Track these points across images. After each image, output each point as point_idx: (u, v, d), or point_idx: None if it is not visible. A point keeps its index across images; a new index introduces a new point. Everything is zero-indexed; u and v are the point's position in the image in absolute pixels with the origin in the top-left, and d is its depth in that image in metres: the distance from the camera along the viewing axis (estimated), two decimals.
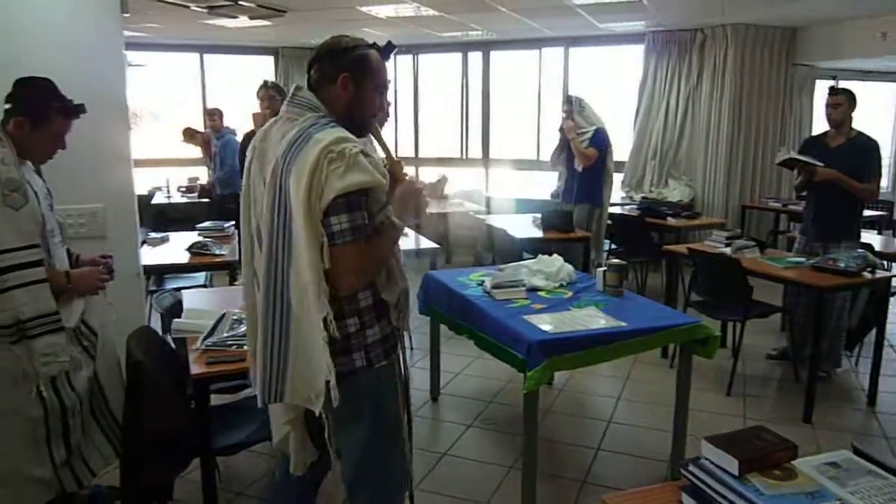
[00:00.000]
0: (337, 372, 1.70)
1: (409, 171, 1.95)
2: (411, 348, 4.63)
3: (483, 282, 3.38)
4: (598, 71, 8.22)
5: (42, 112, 2.18)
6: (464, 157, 8.95)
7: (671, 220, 6.07)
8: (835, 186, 4.04)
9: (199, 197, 7.04)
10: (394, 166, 1.87)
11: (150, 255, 4.08)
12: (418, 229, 4.83)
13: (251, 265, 1.89)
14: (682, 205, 6.78)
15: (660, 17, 6.70)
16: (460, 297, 3.29)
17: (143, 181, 6.98)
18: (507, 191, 8.47)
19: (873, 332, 4.02)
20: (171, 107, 9.38)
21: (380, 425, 1.84)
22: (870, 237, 5.04)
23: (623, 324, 2.81)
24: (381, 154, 1.91)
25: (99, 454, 2.37)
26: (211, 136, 6.82)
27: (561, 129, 5.51)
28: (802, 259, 4.01)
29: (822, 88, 7.15)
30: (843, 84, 7.82)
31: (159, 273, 4.43)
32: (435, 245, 4.75)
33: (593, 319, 2.87)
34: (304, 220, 1.62)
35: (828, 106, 4.19)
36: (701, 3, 6.02)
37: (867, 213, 6.22)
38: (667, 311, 3.31)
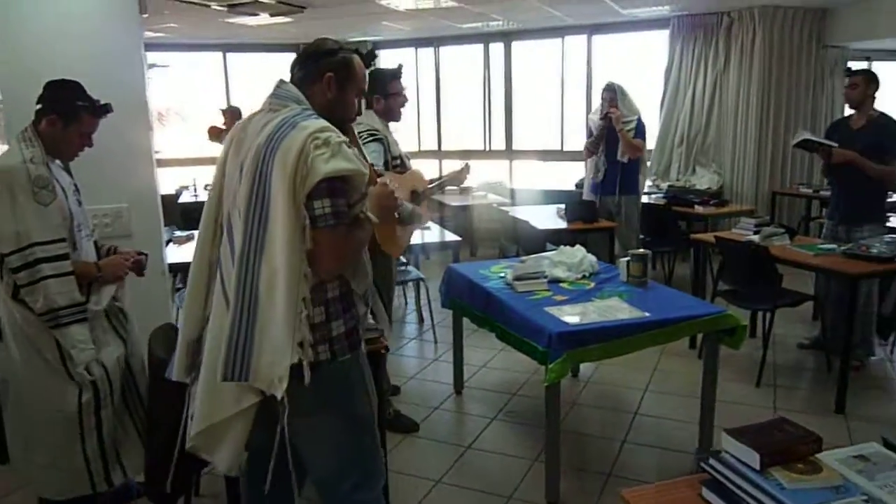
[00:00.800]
0: (300, 363, 1.69)
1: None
2: (435, 342, 4.72)
3: (504, 274, 3.36)
4: (623, 58, 8.09)
5: (72, 111, 2.29)
6: (487, 149, 8.90)
7: (699, 209, 5.97)
8: (856, 169, 3.94)
9: None
10: (369, 169, 1.90)
11: (177, 254, 4.13)
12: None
13: (205, 251, 1.87)
14: (711, 192, 6.67)
15: (685, 1, 6.57)
16: (482, 289, 3.27)
17: (170, 180, 7.11)
18: (530, 182, 8.42)
19: None
20: (197, 106, 9.49)
21: (345, 418, 1.85)
22: None
23: (646, 314, 2.77)
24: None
25: (136, 454, 2.43)
26: None
27: (605, 118, 5.27)
28: (834, 246, 3.90)
29: (866, 68, 6.94)
30: (877, 65, 7.59)
31: (185, 271, 4.46)
32: (457, 238, 4.74)
33: (616, 310, 2.83)
34: (286, 203, 1.63)
35: (846, 87, 4.12)
36: None
37: None
38: (692, 300, 3.25)
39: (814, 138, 4.15)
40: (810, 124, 6.78)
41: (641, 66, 7.89)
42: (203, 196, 7.19)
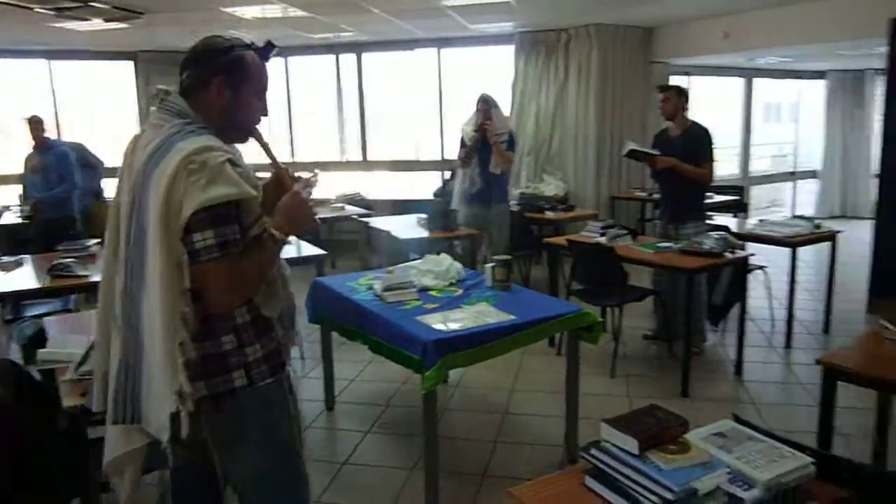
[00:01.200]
0: (213, 393, 1.63)
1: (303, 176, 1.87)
2: (302, 358, 4.59)
3: (373, 285, 3.34)
4: (472, 71, 8.39)
5: None
6: (342, 159, 8.84)
7: (549, 214, 6.30)
8: (678, 173, 4.43)
9: (25, 219, 6.05)
10: (280, 174, 1.80)
11: (4, 281, 3.71)
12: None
13: (109, 285, 1.73)
14: (558, 199, 7.04)
15: (526, 18, 6.92)
16: (351, 302, 3.24)
17: None
18: (386, 192, 8.46)
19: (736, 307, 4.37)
20: (20, 120, 8.56)
21: (269, 445, 1.76)
22: (726, 220, 5.47)
23: (513, 317, 2.87)
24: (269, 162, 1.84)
25: None
26: (35, 149, 5.91)
27: (480, 130, 5.29)
28: (670, 244, 4.29)
29: (676, 84, 7.66)
30: (694, 80, 8.46)
31: (16, 300, 4.02)
32: (321, 251, 4.65)
33: (485, 315, 2.92)
34: (159, 237, 1.51)
35: (660, 102, 4.60)
36: (562, 4, 6.28)
37: (721, 197, 6.78)
38: (552, 301, 3.43)
39: (639, 148, 4.61)
40: (642, 134, 7.40)
41: (490, 79, 8.22)
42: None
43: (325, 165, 8.66)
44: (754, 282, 5.11)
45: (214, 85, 1.67)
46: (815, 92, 10.31)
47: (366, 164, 8.73)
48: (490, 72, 8.32)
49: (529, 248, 6.09)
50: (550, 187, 7.51)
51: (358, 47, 8.27)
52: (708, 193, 4.91)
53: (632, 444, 1.40)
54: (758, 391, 4.02)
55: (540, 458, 3.24)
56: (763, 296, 5.29)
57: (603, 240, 4.47)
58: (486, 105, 5.31)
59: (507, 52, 7.85)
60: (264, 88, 1.76)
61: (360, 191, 8.05)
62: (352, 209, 7.00)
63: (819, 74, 10.07)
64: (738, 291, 4.44)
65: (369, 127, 8.60)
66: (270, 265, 1.70)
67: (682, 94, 4.55)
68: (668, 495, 1.31)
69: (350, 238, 7.35)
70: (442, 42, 7.97)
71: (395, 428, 3.65)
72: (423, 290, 3.31)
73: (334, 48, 8.35)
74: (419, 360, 2.63)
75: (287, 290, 1.81)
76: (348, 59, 8.44)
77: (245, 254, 1.59)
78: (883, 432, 2.75)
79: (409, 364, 2.74)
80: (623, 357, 4.49)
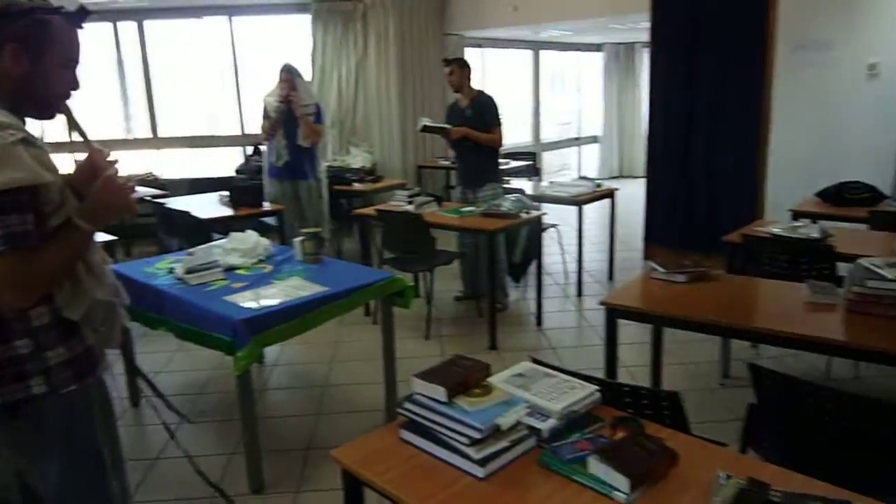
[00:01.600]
0: (8, 401, 1.45)
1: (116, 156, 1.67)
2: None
3: (173, 269, 3.16)
4: (269, 41, 8.07)
5: None
6: (128, 137, 8.13)
7: (357, 186, 6.32)
8: (470, 140, 4.70)
9: None
10: (94, 155, 1.60)
11: None
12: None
13: None
14: (366, 170, 7.08)
15: None
16: (151, 288, 3.03)
17: None
18: (182, 171, 7.94)
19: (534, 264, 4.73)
20: None
21: (74, 458, 1.60)
22: (522, 183, 5.87)
23: (326, 288, 2.88)
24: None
25: None
26: None
27: (285, 101, 5.13)
28: (473, 208, 4.52)
29: (470, 56, 7.99)
30: (487, 52, 8.87)
31: None
32: (111, 237, 4.27)
33: (297, 289, 2.89)
34: None
35: (446, 75, 4.81)
36: None
37: (516, 163, 7.24)
38: (364, 270, 3.47)
39: (431, 123, 4.84)
40: (442, 104, 7.64)
41: (288, 49, 7.97)
42: None
43: (110, 144, 7.90)
44: (549, 239, 5.56)
45: (7, 52, 1.44)
46: (594, 63, 11.30)
47: (156, 142, 8.10)
48: (287, 42, 8.07)
49: (339, 220, 6.09)
50: (358, 159, 7.51)
51: (138, 14, 7.58)
52: (500, 158, 5.22)
53: (440, 393, 1.49)
54: (557, 337, 4.41)
55: (362, 424, 3.30)
56: (557, 251, 5.78)
57: (410, 208, 4.59)
58: (290, 75, 5.16)
59: (304, 21, 7.66)
60: (75, 58, 1.56)
61: (151, 170, 7.48)
62: (144, 190, 6.49)
63: (597, 47, 11.04)
64: (534, 249, 4.81)
65: (158, 102, 7.97)
66: (74, 259, 1.52)
67: (464, 66, 4.78)
68: (475, 434, 1.41)
69: (145, 222, 6.82)
70: (232, 10, 7.57)
71: (213, 415, 3.51)
72: (230, 269, 3.19)
73: (110, 15, 7.59)
74: (230, 341, 2.55)
75: (107, 285, 1.63)
76: (128, 28, 7.72)
77: (41, 247, 1.42)
78: (657, 359, 3.16)
79: (220, 347, 2.64)
80: (437, 319, 4.68)
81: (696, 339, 3.66)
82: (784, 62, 5.16)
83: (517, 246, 5.14)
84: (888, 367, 2.85)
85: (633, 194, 7.55)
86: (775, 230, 3.47)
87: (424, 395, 1.53)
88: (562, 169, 11.63)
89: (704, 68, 5.54)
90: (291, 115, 5.18)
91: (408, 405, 1.56)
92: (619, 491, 1.32)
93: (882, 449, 1.77)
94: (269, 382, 3.87)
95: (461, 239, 4.94)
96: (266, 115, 5.30)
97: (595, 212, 7.39)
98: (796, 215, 4.10)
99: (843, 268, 2.89)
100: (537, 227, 4.71)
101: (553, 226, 5.49)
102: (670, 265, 2.87)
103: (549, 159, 10.93)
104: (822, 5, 4.97)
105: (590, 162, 11.63)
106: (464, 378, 1.54)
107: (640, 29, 7.23)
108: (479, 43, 8.60)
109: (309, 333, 2.87)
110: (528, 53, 9.80)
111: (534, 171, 7.54)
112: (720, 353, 3.67)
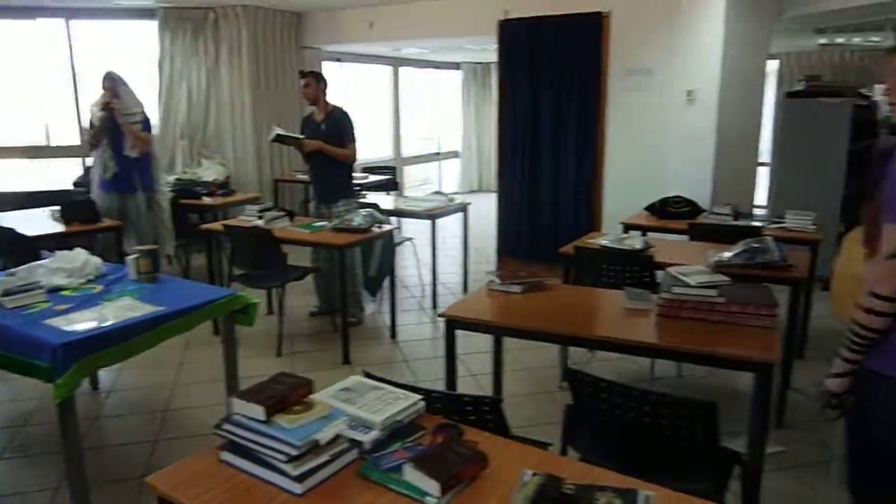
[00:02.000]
0: None
1: None
2: None
3: None
4: (112, 48, 7.59)
5: None
6: None
7: (207, 200, 6.08)
8: (326, 155, 4.67)
9: None
10: None
11: None
12: None
13: None
14: (218, 183, 6.83)
15: None
16: None
17: None
18: (13, 184, 7.26)
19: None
20: None
21: None
22: (379, 198, 5.91)
23: (160, 308, 2.75)
24: None
25: None
26: None
27: (106, 109, 4.88)
28: (325, 223, 4.50)
29: (327, 69, 7.97)
30: (347, 66, 8.88)
31: None
32: None
33: (128, 309, 2.74)
34: None
35: (301, 87, 4.76)
36: None
37: (375, 177, 7.30)
38: (205, 288, 3.34)
39: (284, 133, 4.73)
40: (299, 118, 7.55)
41: (133, 56, 7.55)
42: None
43: None
44: (406, 253, 5.65)
45: None
46: (453, 81, 11.62)
47: None
48: (132, 48, 7.64)
49: (186, 236, 5.83)
50: (210, 172, 7.24)
51: None
52: (359, 172, 5.25)
53: (258, 412, 1.48)
54: (410, 350, 4.48)
55: (200, 448, 3.17)
56: (413, 265, 5.87)
57: (260, 223, 4.50)
58: (113, 83, 4.97)
59: (151, 27, 7.30)
60: None
61: None
62: None
63: (456, 66, 11.37)
64: (389, 262, 4.86)
65: None
66: None
67: (321, 79, 4.75)
68: (292, 451, 1.42)
69: None
70: (70, 13, 7.06)
71: (37, 448, 3.24)
72: (54, 290, 2.97)
73: None
74: (48, 367, 2.38)
75: None
76: None
77: None
78: (498, 367, 3.30)
79: (39, 374, 2.45)
80: (291, 336, 4.61)
81: (541, 345, 3.87)
82: (615, 86, 5.60)
83: (372, 260, 5.18)
84: (709, 367, 3.16)
85: (490, 208, 7.81)
86: (604, 242, 3.74)
87: (243, 415, 1.51)
88: (424, 183, 11.84)
89: (549, 87, 5.88)
90: (116, 124, 4.96)
91: (227, 426, 1.54)
92: (430, 496, 1.38)
93: (662, 439, 1.98)
94: (105, 409, 3.63)
95: (315, 254, 4.91)
96: (92, 125, 5.07)
97: (454, 225, 7.58)
98: (627, 227, 4.45)
99: (661, 276, 3.17)
100: (390, 242, 4.78)
101: (408, 239, 5.59)
102: (508, 276, 3.02)
103: (412, 173, 11.09)
104: (647, 34, 5.44)
105: (451, 176, 11.92)
106: (283, 395, 1.54)
107: (491, 50, 7.53)
108: (338, 57, 8.59)
109: (151, 355, 2.74)
110: (388, 69, 9.91)
111: (393, 185, 7.62)
112: (559, 358, 3.89)
